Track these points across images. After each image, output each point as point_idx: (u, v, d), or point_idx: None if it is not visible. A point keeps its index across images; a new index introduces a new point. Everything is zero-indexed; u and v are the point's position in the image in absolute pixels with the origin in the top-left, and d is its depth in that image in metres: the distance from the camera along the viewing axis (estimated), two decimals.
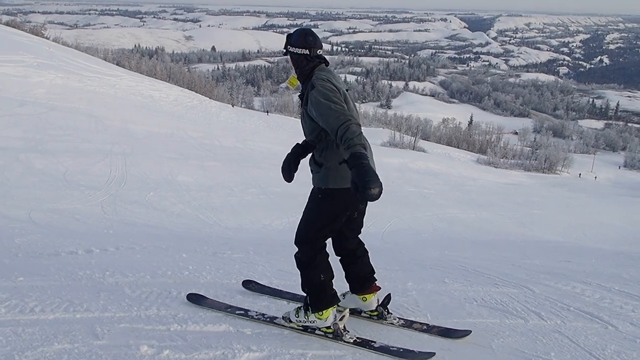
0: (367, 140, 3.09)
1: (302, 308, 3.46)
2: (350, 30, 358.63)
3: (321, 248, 3.40)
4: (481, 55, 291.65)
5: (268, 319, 3.63)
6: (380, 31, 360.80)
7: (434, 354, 3.18)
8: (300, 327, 3.46)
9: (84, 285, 4.27)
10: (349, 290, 3.74)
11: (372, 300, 3.64)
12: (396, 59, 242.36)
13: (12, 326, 3.24)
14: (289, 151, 3.51)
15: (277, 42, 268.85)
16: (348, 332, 3.36)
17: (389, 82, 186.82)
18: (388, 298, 3.69)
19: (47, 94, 32.64)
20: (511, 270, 6.34)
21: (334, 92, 3.10)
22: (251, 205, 16.08)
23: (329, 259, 3.48)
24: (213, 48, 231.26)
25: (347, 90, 3.34)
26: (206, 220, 13.17)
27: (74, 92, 35.73)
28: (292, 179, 3.51)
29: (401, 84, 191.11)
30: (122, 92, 42.34)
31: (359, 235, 3.65)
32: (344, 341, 3.28)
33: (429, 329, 3.62)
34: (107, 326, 3.39)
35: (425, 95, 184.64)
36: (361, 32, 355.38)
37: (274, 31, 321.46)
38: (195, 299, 3.99)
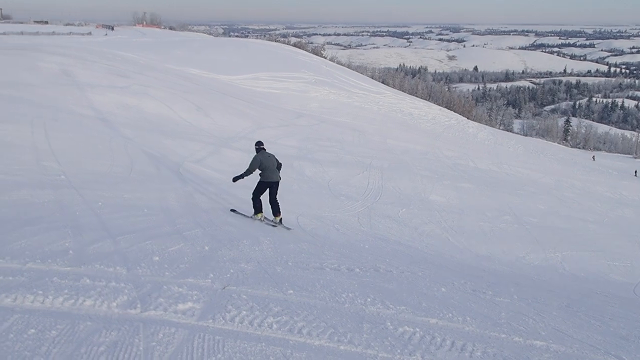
0: (274, 174, 9.38)
1: (254, 212, 9.34)
2: (634, 50, 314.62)
3: (258, 196, 9.30)
4: None
5: (249, 217, 9.44)
6: None
7: (290, 229, 9.35)
8: (252, 218, 9.27)
9: (346, 310, 4.18)
10: (272, 215, 9.37)
11: (277, 219, 9.36)
12: None
13: (281, 346, 3.24)
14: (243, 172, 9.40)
15: (545, 62, 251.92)
16: (267, 221, 9.34)
17: None
18: (281, 220, 9.43)
19: (319, 107, 36.07)
20: None
21: (255, 161, 9.18)
22: (504, 233, 15.02)
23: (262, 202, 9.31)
24: (475, 68, 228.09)
25: (269, 156, 9.38)
26: (456, 244, 12.65)
27: (342, 107, 38.78)
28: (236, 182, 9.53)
29: None
30: (384, 108, 44.36)
31: (276, 197, 9.37)
32: (271, 224, 9.25)
33: (290, 229, 9.31)
34: None
35: None
36: None
37: (542, 51, 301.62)
38: (233, 211, 9.70)
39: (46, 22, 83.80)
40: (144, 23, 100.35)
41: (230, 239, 6.58)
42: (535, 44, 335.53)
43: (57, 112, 15.25)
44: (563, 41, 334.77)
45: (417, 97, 65.02)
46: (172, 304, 3.76)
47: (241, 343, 3.23)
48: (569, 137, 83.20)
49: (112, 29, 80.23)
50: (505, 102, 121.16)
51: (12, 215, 6.00)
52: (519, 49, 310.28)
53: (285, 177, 15.36)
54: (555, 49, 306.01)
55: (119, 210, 7.19)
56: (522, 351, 3.94)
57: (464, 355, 3.63)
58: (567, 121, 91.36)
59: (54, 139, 11.96)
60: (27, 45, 30.42)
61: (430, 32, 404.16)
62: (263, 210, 9.43)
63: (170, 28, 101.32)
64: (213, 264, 5.06)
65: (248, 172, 9.18)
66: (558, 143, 69.88)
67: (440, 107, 60.22)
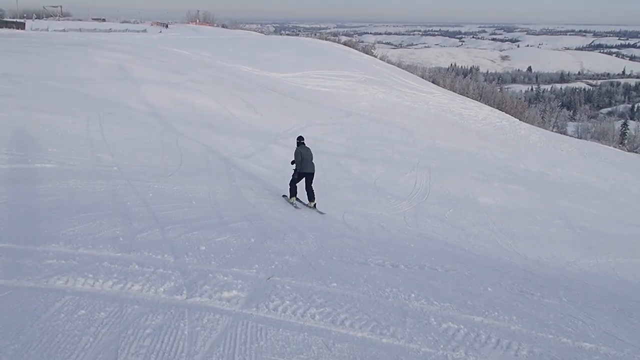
0: (309, 160, 10.85)
1: (289, 196, 10.92)
2: None
3: (295, 183, 10.82)
4: None
5: (290, 204, 10.89)
6: None
7: (323, 213, 10.62)
8: (288, 202, 10.90)
9: (390, 304, 4.13)
10: (308, 200, 10.84)
11: (312, 204, 10.80)
12: None
13: (324, 337, 3.23)
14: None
15: (603, 63, 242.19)
16: (296, 204, 10.81)
17: None
18: (315, 205, 10.87)
19: (369, 106, 35.86)
20: None
21: (297, 153, 10.74)
22: (554, 237, 14.52)
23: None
24: (529, 68, 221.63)
25: (307, 149, 10.89)
26: (504, 247, 12.33)
27: (391, 106, 38.44)
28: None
29: None
30: (434, 108, 43.69)
31: (311, 185, 10.86)
32: (295, 206, 10.65)
33: (323, 213, 10.41)
34: None
35: None
36: None
37: (600, 51, 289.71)
38: (284, 196, 11.30)
39: (103, 20, 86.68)
40: (197, 21, 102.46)
41: (275, 232, 6.63)
42: (592, 44, 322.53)
43: (112, 106, 15.77)
44: (622, 42, 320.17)
45: (468, 97, 63.77)
46: (217, 291, 3.81)
47: (284, 332, 3.24)
48: (625, 141, 79.75)
49: (167, 26, 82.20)
50: (560, 103, 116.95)
51: (66, 202, 6.23)
52: (576, 49, 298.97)
53: (332, 175, 15.47)
54: (614, 50, 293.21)
55: (168, 201, 7.36)
56: (569, 352, 3.79)
57: (510, 353, 3.52)
58: (625, 124, 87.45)
59: (108, 131, 12.38)
60: (85, 42, 31.60)
61: (484, 31, 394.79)
62: (297, 195, 11.06)
63: (223, 26, 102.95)
64: (258, 255, 5.11)
65: (296, 164, 10.75)
66: (614, 147, 67.16)
67: (491, 107, 58.78)
